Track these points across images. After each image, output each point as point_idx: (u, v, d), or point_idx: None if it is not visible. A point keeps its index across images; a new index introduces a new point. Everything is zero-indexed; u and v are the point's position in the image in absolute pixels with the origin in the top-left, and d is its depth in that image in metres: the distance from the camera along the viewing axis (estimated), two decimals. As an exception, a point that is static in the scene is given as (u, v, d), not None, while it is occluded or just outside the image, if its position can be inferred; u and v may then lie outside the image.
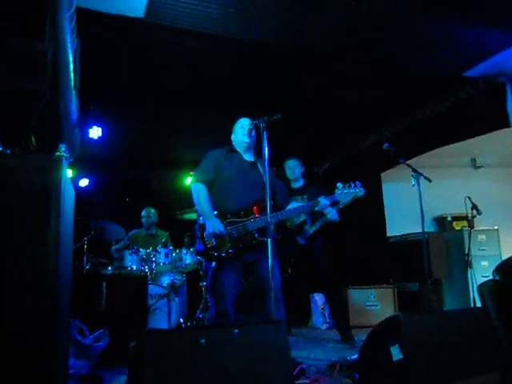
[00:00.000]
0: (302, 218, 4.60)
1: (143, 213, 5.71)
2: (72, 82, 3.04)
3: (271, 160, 2.90)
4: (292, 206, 3.31)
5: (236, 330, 1.94)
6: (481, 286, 1.55)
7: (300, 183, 4.71)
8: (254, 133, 3.30)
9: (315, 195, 3.58)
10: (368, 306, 5.50)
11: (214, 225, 3.08)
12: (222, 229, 3.08)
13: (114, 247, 5.30)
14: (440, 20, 3.49)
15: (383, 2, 3.17)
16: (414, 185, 3.84)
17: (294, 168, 4.66)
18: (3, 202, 1.63)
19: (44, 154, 2.02)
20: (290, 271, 4.70)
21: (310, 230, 4.50)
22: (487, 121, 4.68)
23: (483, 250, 5.53)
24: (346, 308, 5.35)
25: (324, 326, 5.51)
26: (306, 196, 4.45)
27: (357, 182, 3.21)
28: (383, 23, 3.50)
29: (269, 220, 2.76)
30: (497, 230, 5.61)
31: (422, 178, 3.89)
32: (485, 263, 5.44)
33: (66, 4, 2.27)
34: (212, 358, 1.80)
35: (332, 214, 4.02)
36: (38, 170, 1.70)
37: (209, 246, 3.11)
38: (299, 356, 3.40)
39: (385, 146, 4.03)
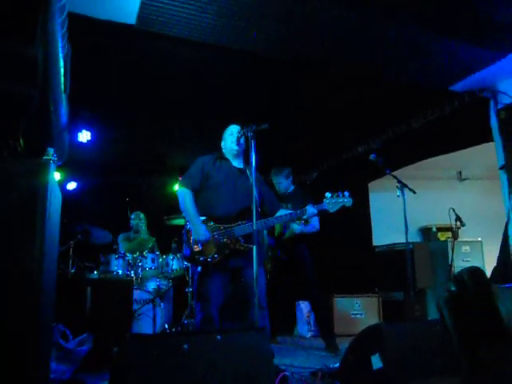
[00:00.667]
0: (277, 230, 4.67)
1: (133, 215, 5.70)
2: (62, 86, 3.05)
3: (261, 167, 2.94)
4: (279, 213, 3.35)
5: (219, 336, 1.96)
6: (438, 297, 1.61)
7: (288, 190, 4.71)
8: (242, 140, 3.32)
9: (301, 203, 3.62)
10: (353, 314, 5.53)
11: (199, 230, 3.11)
12: (207, 234, 3.11)
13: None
14: (428, 36, 3.58)
15: (371, 16, 3.24)
16: (398, 196, 3.91)
17: (278, 185, 4.66)
18: (-11, 204, 1.64)
19: (32, 157, 2.03)
20: (268, 277, 4.71)
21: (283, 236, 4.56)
22: (471, 134, 4.79)
23: (467, 260, 5.59)
24: (331, 316, 5.37)
25: (309, 334, 5.53)
26: (290, 205, 4.46)
27: (345, 192, 3.24)
28: (371, 36, 3.57)
29: (254, 227, 2.79)
30: (480, 241, 5.70)
31: (406, 189, 3.95)
32: (468, 274, 5.50)
33: (57, 9, 2.29)
34: (194, 363, 1.82)
35: (300, 226, 4.27)
36: (26, 174, 1.71)
37: (195, 250, 3.14)
38: (283, 363, 3.41)
39: (371, 156, 4.08)
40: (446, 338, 1.49)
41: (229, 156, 3.43)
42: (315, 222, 4.47)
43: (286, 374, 2.90)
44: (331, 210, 3.25)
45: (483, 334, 1.38)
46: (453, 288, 1.55)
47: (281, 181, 4.65)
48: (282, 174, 4.66)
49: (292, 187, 4.73)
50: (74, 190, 6.27)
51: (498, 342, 1.35)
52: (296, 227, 4.43)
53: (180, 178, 3.45)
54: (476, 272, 1.54)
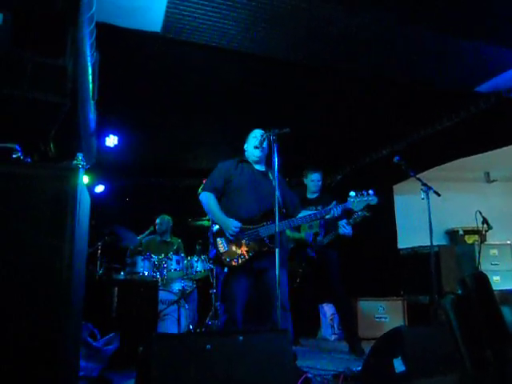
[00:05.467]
0: (314, 229, 4.66)
1: (158, 220, 5.80)
2: (90, 93, 3.16)
3: (282, 170, 2.97)
4: (303, 214, 3.37)
5: (241, 337, 1.99)
6: (443, 300, 1.61)
7: (316, 194, 4.78)
8: (265, 144, 3.37)
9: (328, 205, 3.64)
10: (377, 317, 5.48)
11: (229, 224, 3.15)
12: (239, 224, 3.15)
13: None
14: (452, 37, 3.54)
15: (393, 20, 3.24)
16: (423, 198, 3.86)
17: (317, 182, 4.74)
18: (22, 208, 1.71)
19: (62, 162, 2.11)
20: (298, 281, 4.72)
21: (324, 240, 4.56)
22: (498, 135, 4.70)
23: (495, 264, 5.48)
24: (355, 319, 5.34)
25: (333, 337, 5.51)
26: (320, 207, 4.51)
27: (370, 191, 3.23)
28: (394, 39, 3.56)
29: (277, 230, 2.82)
30: (509, 244, 5.57)
31: (431, 191, 3.90)
32: (497, 278, 5.39)
33: (87, 20, 2.39)
34: (216, 363, 1.86)
35: (345, 229, 4.15)
36: (56, 179, 1.78)
37: (221, 252, 3.19)
38: (306, 366, 3.42)
39: (395, 159, 4.05)
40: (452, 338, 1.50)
41: (251, 159, 3.47)
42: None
43: (309, 375, 2.92)
44: (356, 209, 3.24)
45: (486, 335, 1.39)
46: (459, 291, 1.56)
47: (319, 178, 4.74)
48: (319, 172, 4.75)
49: (319, 192, 4.79)
50: (101, 192, 6.42)
51: (500, 344, 1.35)
52: (344, 230, 4.40)
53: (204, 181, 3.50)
54: (479, 277, 1.54)
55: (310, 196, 4.79)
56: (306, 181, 4.82)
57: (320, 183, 4.74)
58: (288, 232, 4.53)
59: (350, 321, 4.64)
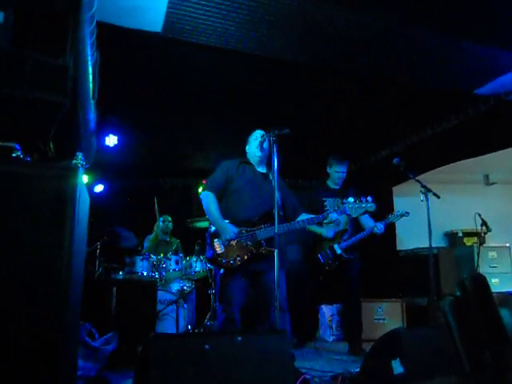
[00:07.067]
0: (342, 226, 4.52)
1: (161, 219, 5.82)
2: (90, 93, 3.16)
3: (282, 171, 2.97)
4: (302, 217, 3.37)
5: (240, 338, 1.99)
6: (442, 302, 1.62)
7: (338, 186, 4.61)
8: (265, 145, 3.38)
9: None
10: (376, 319, 5.48)
11: (226, 229, 3.16)
12: (235, 230, 3.16)
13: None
14: (452, 39, 3.55)
15: (393, 20, 3.24)
16: (422, 200, 3.87)
17: (341, 173, 4.52)
18: (22, 207, 1.71)
19: (61, 162, 2.11)
20: (321, 279, 4.65)
21: (353, 238, 4.48)
22: (498, 138, 4.70)
23: (494, 266, 5.47)
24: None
25: (331, 338, 5.50)
26: (338, 199, 4.32)
27: (368, 197, 3.24)
28: (394, 40, 3.57)
29: (276, 231, 2.82)
30: (508, 247, 5.56)
31: (430, 193, 3.91)
32: (495, 280, 5.38)
33: (87, 19, 2.39)
34: (215, 363, 1.86)
35: (378, 230, 4.27)
36: (56, 178, 1.77)
37: (218, 253, 3.19)
38: (304, 367, 3.42)
39: (395, 160, 4.06)
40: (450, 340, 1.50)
41: (252, 161, 3.48)
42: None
43: (307, 377, 2.92)
44: (353, 215, 3.26)
45: (484, 337, 1.39)
46: (458, 293, 1.56)
47: (345, 170, 4.52)
48: (346, 163, 4.55)
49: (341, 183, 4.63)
50: (101, 192, 6.42)
51: (499, 346, 1.35)
52: (377, 231, 4.37)
53: (204, 182, 3.52)
54: (477, 279, 1.54)
55: (332, 186, 4.61)
56: (329, 170, 4.58)
57: (344, 175, 4.52)
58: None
59: (356, 321, 4.62)
